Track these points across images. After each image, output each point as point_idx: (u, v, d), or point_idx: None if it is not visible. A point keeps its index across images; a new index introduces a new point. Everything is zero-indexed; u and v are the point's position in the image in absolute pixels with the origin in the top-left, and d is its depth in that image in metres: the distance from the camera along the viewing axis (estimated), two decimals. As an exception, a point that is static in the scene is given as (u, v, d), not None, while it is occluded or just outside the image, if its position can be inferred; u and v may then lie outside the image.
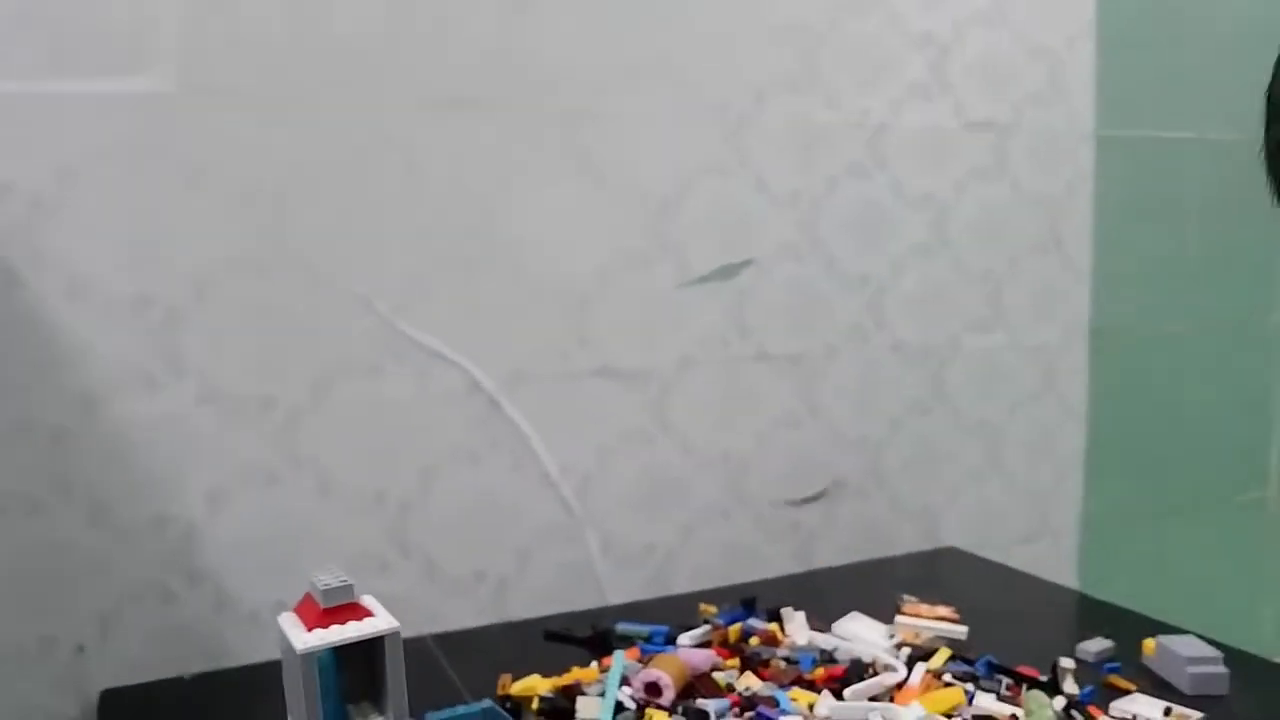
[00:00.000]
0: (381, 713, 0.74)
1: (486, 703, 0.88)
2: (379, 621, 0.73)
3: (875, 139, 1.77)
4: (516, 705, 1.17)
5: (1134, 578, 2.12)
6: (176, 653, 1.33)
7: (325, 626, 0.72)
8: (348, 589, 0.74)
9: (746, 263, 1.67)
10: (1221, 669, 1.23)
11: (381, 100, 1.39)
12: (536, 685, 1.22)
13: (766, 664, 1.28)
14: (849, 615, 1.41)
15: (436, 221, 1.43)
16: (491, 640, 1.44)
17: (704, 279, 1.64)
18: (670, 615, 1.41)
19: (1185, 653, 1.24)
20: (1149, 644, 1.31)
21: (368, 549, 1.43)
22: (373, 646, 0.73)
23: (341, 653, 0.76)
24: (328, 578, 0.74)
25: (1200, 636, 1.29)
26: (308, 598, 0.74)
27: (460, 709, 0.86)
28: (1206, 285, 2.19)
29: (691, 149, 1.61)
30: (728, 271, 1.66)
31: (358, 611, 0.73)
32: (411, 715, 0.84)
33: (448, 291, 1.45)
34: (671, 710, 1.14)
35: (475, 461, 1.49)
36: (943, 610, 1.45)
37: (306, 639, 0.70)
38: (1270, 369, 2.32)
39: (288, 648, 0.71)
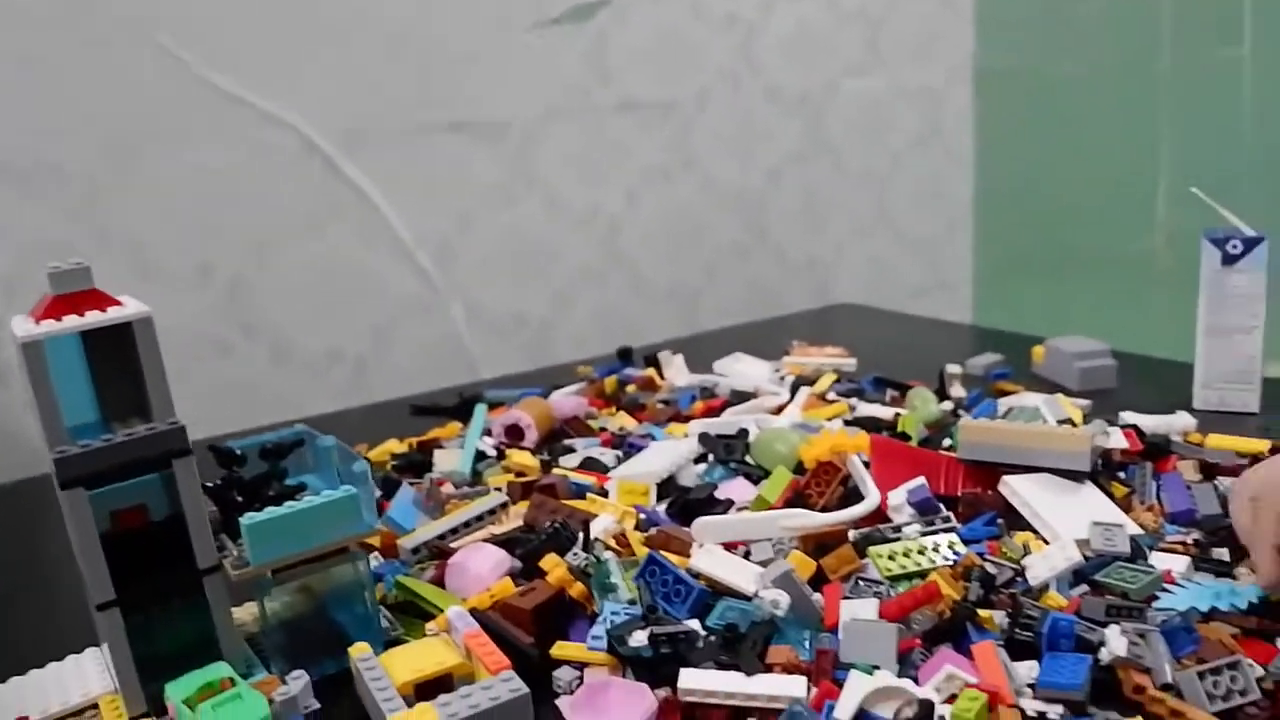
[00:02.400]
0: (147, 420, 0.62)
1: (299, 427, 0.77)
2: (126, 309, 0.61)
3: None
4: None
5: (1027, 329, 2.10)
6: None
7: (58, 319, 0.59)
8: (83, 273, 0.61)
9: (604, 2, 1.51)
10: (1109, 361, 1.18)
11: None
12: (393, 448, 1.12)
13: (643, 408, 1.19)
14: (732, 356, 1.33)
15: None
16: (352, 422, 1.31)
17: (557, 20, 1.48)
18: (548, 382, 1.31)
19: (1073, 349, 1.20)
20: (1038, 350, 1.26)
21: (202, 330, 1.29)
22: (127, 347, 0.61)
23: (95, 360, 0.63)
24: (61, 264, 0.60)
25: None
26: (44, 297, 0.61)
27: (270, 435, 0.76)
28: (1093, 26, 2.09)
29: None
30: (582, 12, 1.50)
31: (101, 300, 0.61)
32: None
33: (270, 41, 1.27)
34: (535, 451, 1.06)
35: (317, 231, 1.34)
36: (832, 349, 1.38)
37: (31, 329, 0.57)
38: (1157, 115, 2.26)
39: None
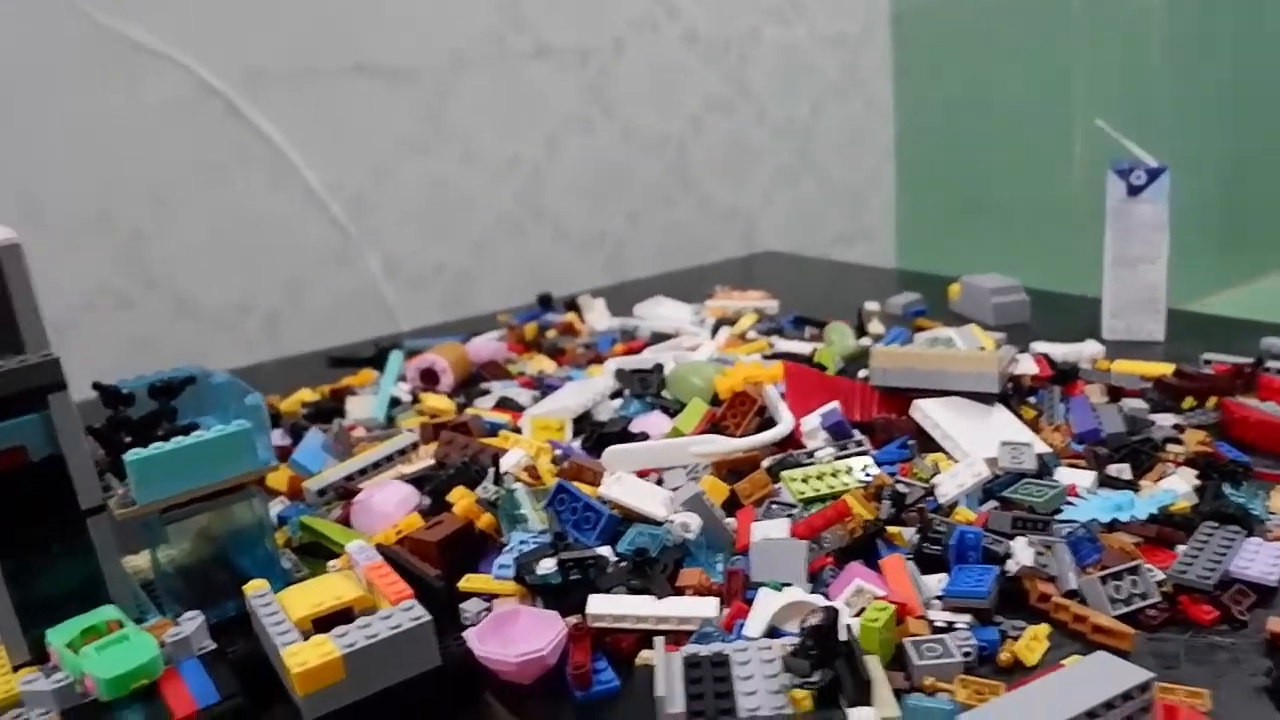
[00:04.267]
0: (17, 352, 0.58)
1: (192, 365, 0.74)
2: (-12, 235, 0.57)
3: None
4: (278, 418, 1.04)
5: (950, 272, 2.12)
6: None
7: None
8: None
9: (516, -58, 1.47)
10: (1023, 296, 1.20)
11: None
12: (305, 397, 1.09)
13: (563, 352, 1.17)
14: (653, 299, 1.32)
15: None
16: (265, 375, 1.27)
17: (467, -39, 1.43)
18: (466, 331, 1.28)
19: (988, 285, 1.21)
20: (954, 288, 1.27)
21: (102, 284, 1.23)
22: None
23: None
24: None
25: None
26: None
27: (160, 373, 0.72)
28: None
29: None
30: (494, -48, 1.46)
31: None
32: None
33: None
34: (451, 395, 1.03)
35: (221, 179, 1.29)
36: (755, 293, 1.37)
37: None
38: (1072, 54, 2.28)
39: None
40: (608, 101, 1.60)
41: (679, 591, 0.61)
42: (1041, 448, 0.76)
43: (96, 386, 0.70)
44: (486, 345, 1.15)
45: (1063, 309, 1.22)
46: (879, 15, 1.91)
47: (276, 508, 0.79)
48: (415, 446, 0.85)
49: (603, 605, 0.60)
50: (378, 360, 1.20)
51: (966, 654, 0.56)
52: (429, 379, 1.06)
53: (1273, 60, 2.31)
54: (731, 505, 0.71)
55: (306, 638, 0.57)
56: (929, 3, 1.97)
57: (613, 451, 0.75)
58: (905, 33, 1.94)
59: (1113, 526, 0.67)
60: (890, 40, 1.93)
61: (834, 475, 0.72)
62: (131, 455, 0.61)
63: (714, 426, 0.82)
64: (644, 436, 0.83)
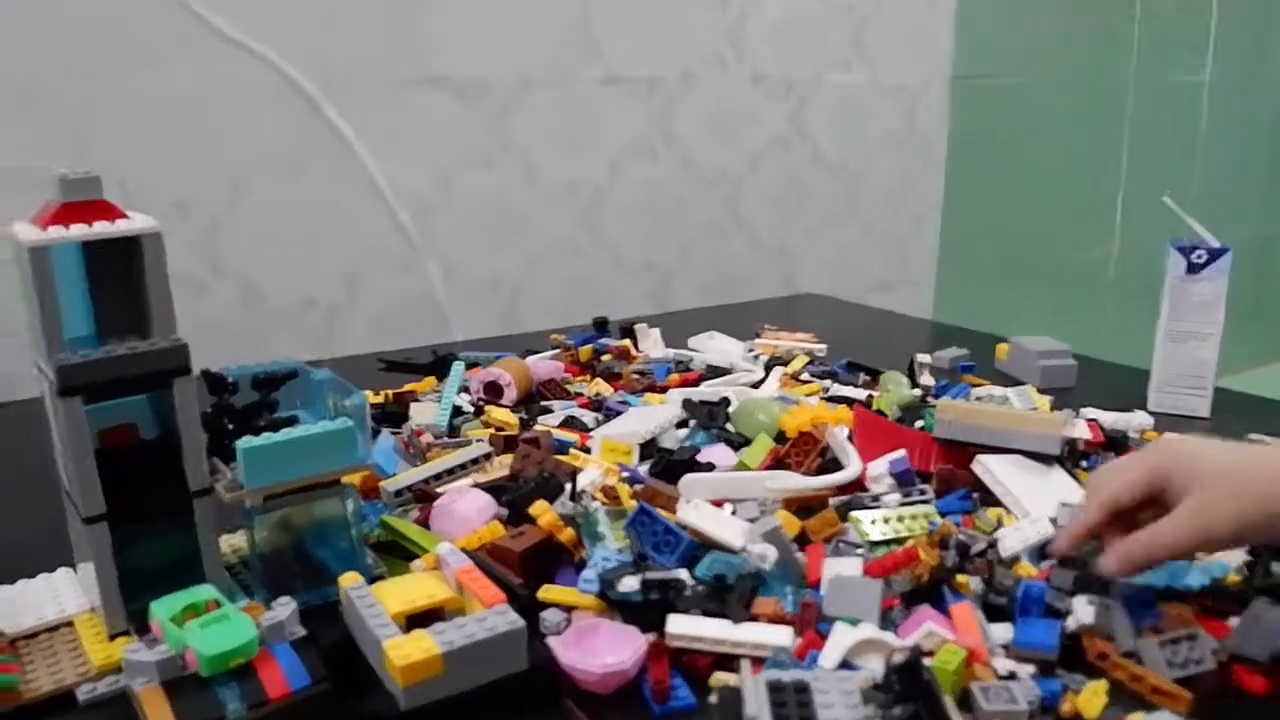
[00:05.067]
0: (145, 337, 0.61)
1: (293, 358, 0.77)
2: (135, 222, 0.60)
3: None
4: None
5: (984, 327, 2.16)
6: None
7: (66, 226, 0.58)
8: (93, 182, 0.59)
9: (596, -28, 1.52)
10: (1070, 361, 1.23)
11: None
12: (369, 399, 1.12)
13: (619, 376, 1.20)
14: (706, 333, 1.35)
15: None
16: (322, 373, 1.31)
17: (548, -13, 1.48)
18: (520, 347, 1.31)
19: (1036, 348, 1.23)
20: (1002, 348, 1.30)
21: (176, 267, 1.26)
22: (131, 262, 0.60)
23: (94, 272, 0.62)
24: (69, 171, 0.59)
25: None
26: (48, 204, 0.59)
27: (264, 364, 0.75)
28: (1064, 43, 2.15)
29: None
30: (573, -20, 1.50)
31: (109, 211, 0.60)
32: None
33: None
34: (513, 410, 1.06)
35: (296, 172, 1.33)
36: (802, 334, 1.40)
37: (38, 235, 0.56)
38: (1121, 131, 2.33)
39: (19, 251, 0.56)
40: (671, 132, 1.64)
41: (754, 618, 0.64)
42: (1099, 511, 0.79)
43: (205, 374, 0.73)
44: (546, 364, 1.18)
45: (1105, 377, 1.25)
46: (939, 71, 1.95)
47: (353, 504, 0.82)
48: (489, 457, 0.87)
49: (681, 626, 0.62)
50: (434, 369, 1.23)
51: (1030, 702, 0.58)
52: (492, 391, 1.09)
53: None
54: (800, 540, 0.74)
55: (403, 632, 0.60)
56: (988, 64, 2.01)
57: (690, 479, 0.78)
58: (963, 91, 1.99)
59: (1167, 594, 0.70)
60: (948, 96, 1.97)
61: (900, 520, 0.75)
62: (245, 443, 0.64)
63: (778, 463, 0.85)
64: (710, 467, 0.86)
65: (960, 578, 0.68)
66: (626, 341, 1.31)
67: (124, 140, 1.20)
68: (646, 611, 0.64)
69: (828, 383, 1.15)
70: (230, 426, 0.71)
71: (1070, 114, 2.20)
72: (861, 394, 1.08)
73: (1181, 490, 0.64)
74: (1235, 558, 0.75)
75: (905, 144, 1.93)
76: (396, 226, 1.41)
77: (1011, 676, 0.61)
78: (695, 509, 0.72)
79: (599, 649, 0.62)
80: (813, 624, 0.64)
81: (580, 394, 1.13)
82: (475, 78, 1.42)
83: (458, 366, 1.17)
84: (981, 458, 0.84)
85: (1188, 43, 2.27)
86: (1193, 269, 1.09)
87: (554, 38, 1.49)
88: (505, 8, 1.44)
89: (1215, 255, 1.08)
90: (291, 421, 0.73)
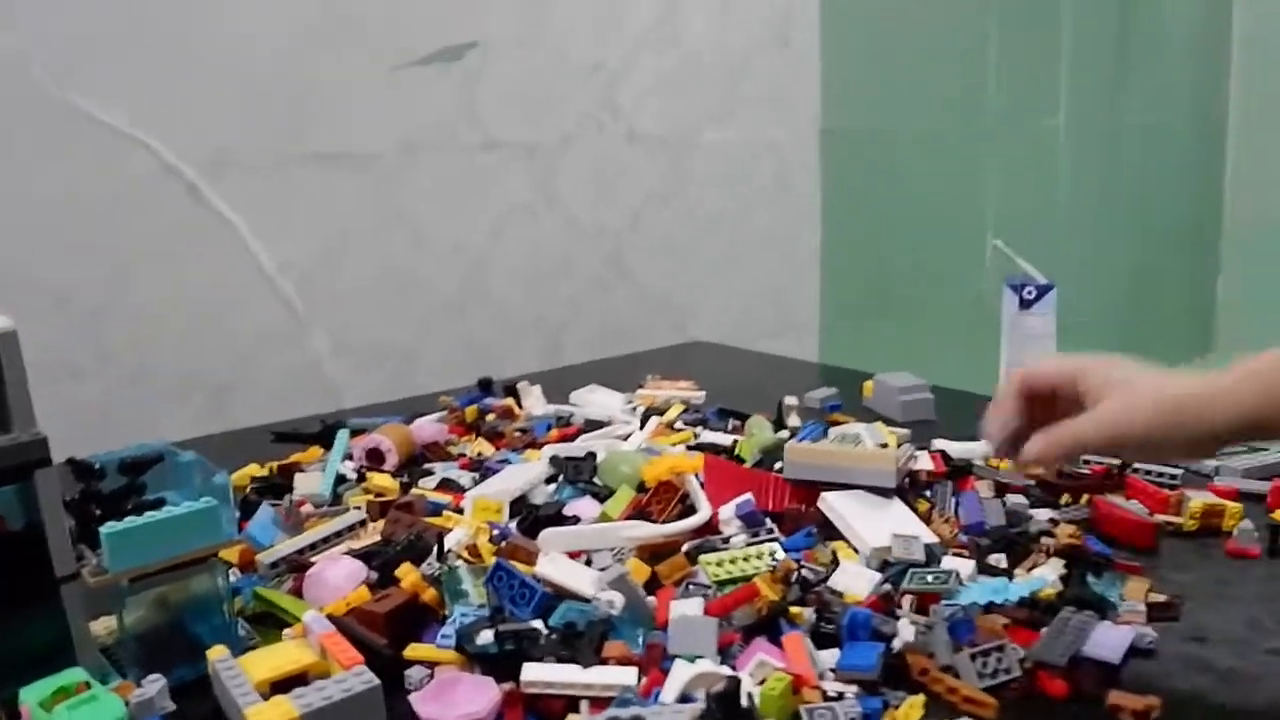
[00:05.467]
0: (6, 430, 0.64)
1: (160, 441, 0.80)
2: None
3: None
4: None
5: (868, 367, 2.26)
6: None
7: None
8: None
9: (472, 44, 1.58)
10: (928, 395, 1.31)
11: None
12: (253, 471, 1.14)
13: (502, 435, 1.25)
14: (588, 387, 1.40)
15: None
16: (212, 448, 1.30)
17: (425, 60, 1.54)
18: (411, 411, 1.35)
19: (897, 384, 1.32)
20: (868, 385, 1.38)
21: (57, 356, 1.28)
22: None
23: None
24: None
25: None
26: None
27: (130, 449, 0.78)
28: (926, 93, 2.28)
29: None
30: (451, 53, 1.56)
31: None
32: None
33: (134, 65, 1.28)
34: (395, 474, 1.10)
35: (179, 258, 1.35)
36: (684, 383, 1.46)
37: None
38: (986, 161, 2.46)
39: None
40: (552, 193, 1.70)
41: (603, 661, 0.69)
42: (930, 538, 0.86)
43: (70, 462, 0.75)
44: (429, 427, 1.21)
45: (965, 408, 1.33)
46: (809, 127, 2.06)
47: (231, 579, 0.85)
48: (363, 523, 0.91)
49: (535, 673, 0.67)
50: (322, 437, 1.26)
51: (852, 719, 0.64)
52: (374, 458, 1.12)
53: (1169, 184, 2.52)
54: (652, 584, 0.79)
55: (265, 699, 0.63)
56: (855, 120, 2.13)
57: (548, 534, 0.82)
58: (832, 143, 2.10)
59: (989, 609, 0.76)
60: (819, 148, 2.08)
61: (746, 560, 0.81)
62: (108, 528, 0.67)
63: (640, 512, 0.90)
64: (576, 520, 0.91)
65: (795, 609, 0.74)
66: (510, 400, 1.35)
67: (2, 236, 1.21)
68: (503, 662, 0.69)
69: (699, 430, 1.21)
70: (98, 512, 0.74)
71: (936, 159, 2.32)
72: (728, 439, 1.14)
73: (1099, 391, 0.67)
74: (1052, 572, 0.82)
75: (779, 197, 2.03)
76: (283, 301, 1.44)
77: (839, 697, 0.67)
78: (552, 561, 0.77)
79: (458, 701, 0.66)
80: (657, 663, 0.69)
81: (463, 455, 1.17)
82: (359, 150, 1.46)
83: (342, 434, 1.21)
84: (826, 495, 0.90)
85: (1042, 89, 2.42)
86: (1024, 304, 1.18)
87: (437, 109, 1.55)
88: (389, 84, 1.49)
89: (1043, 291, 1.17)
90: (159, 504, 0.75)
